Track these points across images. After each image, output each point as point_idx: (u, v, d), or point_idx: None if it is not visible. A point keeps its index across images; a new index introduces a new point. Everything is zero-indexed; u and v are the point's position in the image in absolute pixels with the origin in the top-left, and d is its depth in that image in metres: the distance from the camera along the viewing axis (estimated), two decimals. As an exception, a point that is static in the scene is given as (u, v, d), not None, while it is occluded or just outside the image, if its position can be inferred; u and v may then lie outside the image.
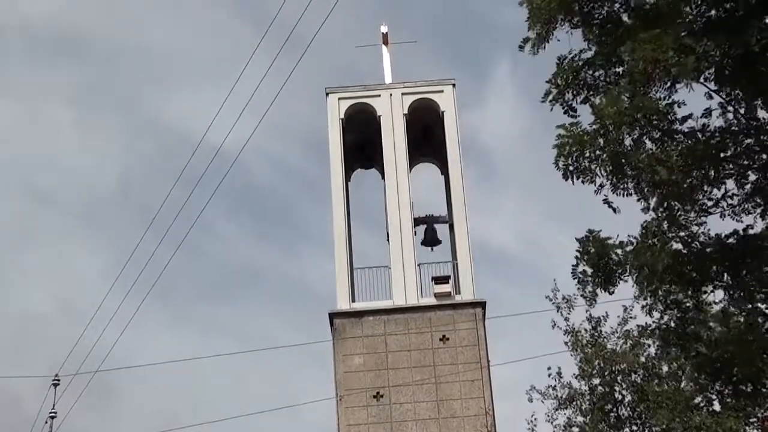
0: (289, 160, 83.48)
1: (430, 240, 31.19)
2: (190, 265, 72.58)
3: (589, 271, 13.61)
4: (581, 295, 24.62)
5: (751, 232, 13.61)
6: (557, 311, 25.49)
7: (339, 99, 31.16)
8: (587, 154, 12.21)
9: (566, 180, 12.50)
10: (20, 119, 78.17)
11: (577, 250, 13.65)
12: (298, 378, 57.41)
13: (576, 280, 13.97)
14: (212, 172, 21.38)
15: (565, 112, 12.70)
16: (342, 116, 30.93)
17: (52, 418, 32.18)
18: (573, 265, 13.76)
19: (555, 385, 25.18)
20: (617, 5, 12.82)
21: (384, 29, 32.59)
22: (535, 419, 25.21)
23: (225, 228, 79.36)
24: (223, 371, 71.53)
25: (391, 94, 31.15)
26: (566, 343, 25.21)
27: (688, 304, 13.92)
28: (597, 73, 12.79)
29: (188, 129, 70.26)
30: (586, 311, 25.29)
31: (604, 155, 12.16)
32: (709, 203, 13.64)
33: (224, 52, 77.41)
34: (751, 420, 21.14)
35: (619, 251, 13.50)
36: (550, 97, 12.74)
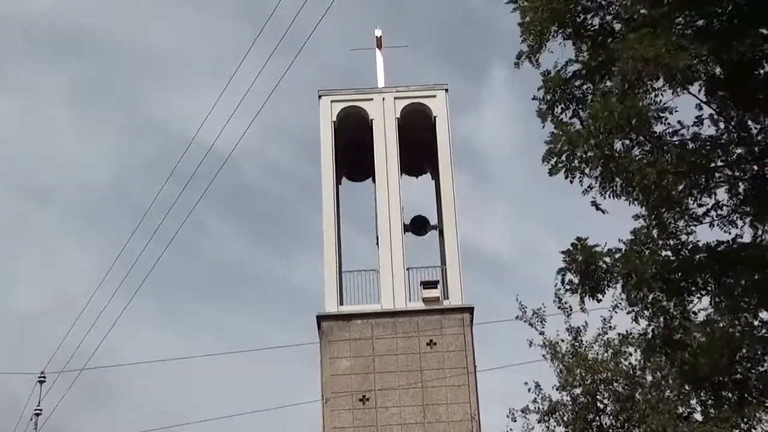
0: (284, 161, 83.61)
1: (419, 226, 31.16)
2: (186, 264, 72.68)
3: (576, 279, 13.62)
4: (558, 307, 24.75)
5: (740, 241, 13.64)
6: (531, 327, 25.51)
7: (331, 102, 31.17)
8: (578, 154, 12.22)
9: (551, 176, 12.52)
10: (18, 117, 78.18)
11: (564, 260, 13.68)
12: (290, 378, 57.39)
13: (564, 290, 13.98)
14: (208, 172, 21.41)
15: (554, 126, 12.72)
16: (334, 119, 30.94)
17: (37, 415, 32.12)
18: (561, 274, 13.77)
19: (536, 398, 25.24)
20: (609, 16, 12.84)
21: (378, 33, 32.63)
22: (511, 429, 25.33)
23: (218, 227, 79.42)
24: (215, 370, 71.47)
25: (383, 98, 31.17)
26: (544, 356, 25.24)
27: (674, 312, 13.94)
28: (585, 86, 12.81)
29: (186, 128, 70.19)
30: (565, 322, 25.34)
31: (595, 157, 12.16)
32: (699, 212, 13.67)
33: (224, 52, 77.40)
34: (734, 430, 21.24)
35: (607, 259, 13.53)
36: (540, 113, 12.76)
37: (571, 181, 12.51)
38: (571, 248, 13.57)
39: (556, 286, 24.33)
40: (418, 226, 31.23)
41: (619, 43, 11.82)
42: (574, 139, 12.09)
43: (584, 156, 12.15)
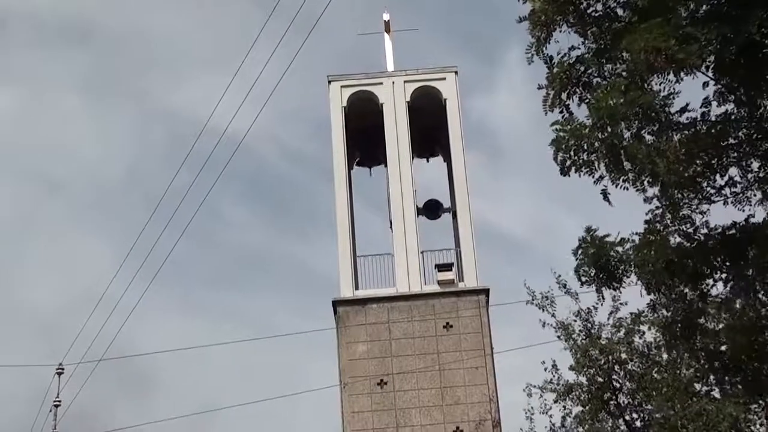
0: (299, 146, 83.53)
1: (432, 210, 31.18)
2: (204, 251, 72.87)
3: (592, 272, 13.62)
4: (565, 293, 24.71)
5: (752, 221, 13.61)
6: (542, 311, 25.41)
7: (341, 87, 31.11)
8: (585, 147, 12.19)
9: (563, 176, 12.51)
10: (29, 108, 78.33)
11: (577, 258, 13.71)
12: (310, 363, 57.59)
13: (581, 283, 14.02)
14: (222, 158, 21.45)
15: (560, 113, 12.69)
16: (344, 104, 30.88)
17: (57, 406, 32.39)
18: (577, 271, 13.80)
19: (552, 379, 25.21)
20: (612, 2, 12.77)
21: (386, 17, 32.51)
22: (531, 408, 25.32)
23: (235, 213, 79.55)
24: (235, 357, 71.70)
25: (393, 82, 31.08)
26: (559, 337, 25.17)
27: (692, 297, 13.93)
28: (589, 71, 12.75)
29: (199, 116, 70.16)
30: (568, 308, 25.30)
31: (603, 148, 12.14)
32: (712, 191, 13.63)
33: (236, 37, 77.28)
34: (752, 406, 21.18)
35: (619, 249, 13.54)
36: (549, 102, 12.71)
37: (580, 175, 12.50)
38: (581, 242, 13.59)
39: (558, 276, 24.38)
40: (431, 209, 31.23)
41: (628, 34, 11.75)
42: (580, 133, 12.07)
43: (592, 148, 12.13)
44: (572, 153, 12.27)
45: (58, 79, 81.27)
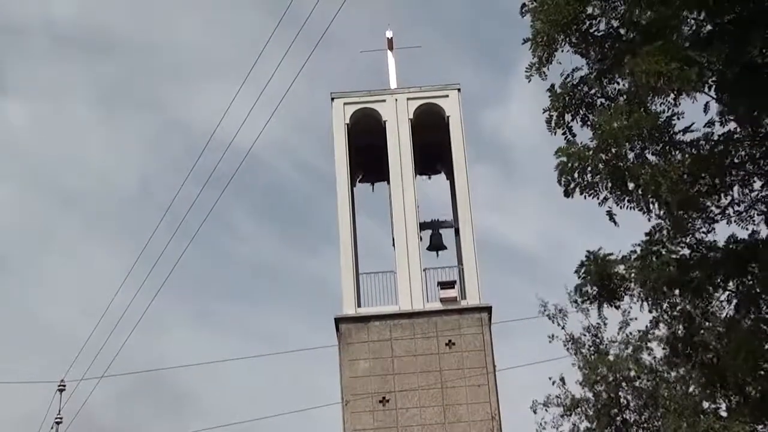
0: (313, 160, 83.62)
1: (436, 245, 31.19)
2: (216, 264, 72.83)
3: (593, 291, 13.63)
4: (577, 309, 24.75)
5: (756, 237, 13.60)
6: (552, 322, 25.46)
7: (344, 104, 31.13)
8: (589, 169, 12.20)
9: (567, 197, 12.53)
10: (45, 119, 78.47)
11: (579, 276, 13.72)
12: (315, 380, 57.51)
13: (581, 301, 14.04)
14: (234, 170, 21.40)
15: (563, 134, 12.70)
16: (347, 121, 30.90)
17: (58, 423, 32.25)
18: (577, 290, 13.81)
19: (559, 393, 25.25)
20: (615, 21, 12.78)
21: (389, 34, 32.54)
22: (544, 421, 25.34)
23: (247, 227, 79.58)
24: (243, 371, 71.56)
25: (396, 100, 31.12)
26: (568, 349, 25.22)
27: (695, 312, 13.93)
28: (593, 90, 12.75)
29: (214, 128, 69.82)
30: (581, 322, 25.34)
31: (606, 170, 12.15)
32: (716, 211, 13.64)
33: (253, 50, 77.30)
34: (758, 426, 21.12)
35: (621, 267, 13.55)
36: (553, 123, 12.72)
37: (585, 197, 12.50)
38: (584, 261, 13.60)
39: (570, 294, 24.44)
40: (434, 245, 31.20)
41: (631, 56, 11.75)
42: (584, 155, 12.08)
43: (596, 170, 12.14)
44: (576, 175, 12.27)
45: (73, 91, 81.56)
